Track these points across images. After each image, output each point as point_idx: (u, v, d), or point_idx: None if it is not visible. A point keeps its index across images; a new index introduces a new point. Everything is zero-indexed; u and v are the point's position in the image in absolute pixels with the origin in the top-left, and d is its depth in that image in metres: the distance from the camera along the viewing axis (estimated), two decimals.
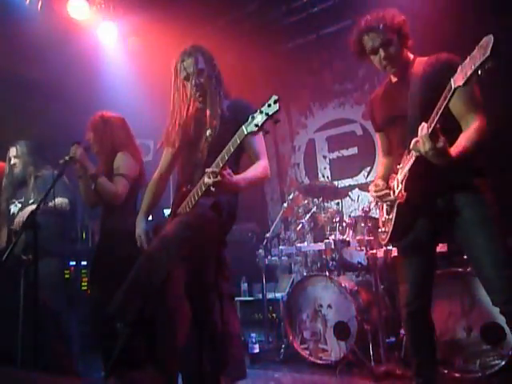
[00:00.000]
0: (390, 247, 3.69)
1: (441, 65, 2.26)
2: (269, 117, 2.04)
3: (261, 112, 2.07)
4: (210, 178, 2.16)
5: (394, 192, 2.39)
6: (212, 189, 2.18)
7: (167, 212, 2.73)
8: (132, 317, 2.11)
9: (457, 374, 3.10)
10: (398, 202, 2.34)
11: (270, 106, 2.05)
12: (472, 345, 3.12)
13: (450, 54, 2.28)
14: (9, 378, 1.58)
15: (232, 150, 2.19)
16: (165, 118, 2.71)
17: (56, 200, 3.39)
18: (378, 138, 2.73)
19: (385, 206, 2.53)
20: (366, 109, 2.73)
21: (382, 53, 2.37)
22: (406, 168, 2.27)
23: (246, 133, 2.13)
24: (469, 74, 1.77)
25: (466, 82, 1.81)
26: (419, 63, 2.39)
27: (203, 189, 2.32)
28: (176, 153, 2.75)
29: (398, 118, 2.41)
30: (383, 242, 2.54)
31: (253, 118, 2.10)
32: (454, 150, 2.09)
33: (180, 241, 2.22)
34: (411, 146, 2.12)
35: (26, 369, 2.64)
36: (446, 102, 1.96)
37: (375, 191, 2.47)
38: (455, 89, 1.88)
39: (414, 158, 2.19)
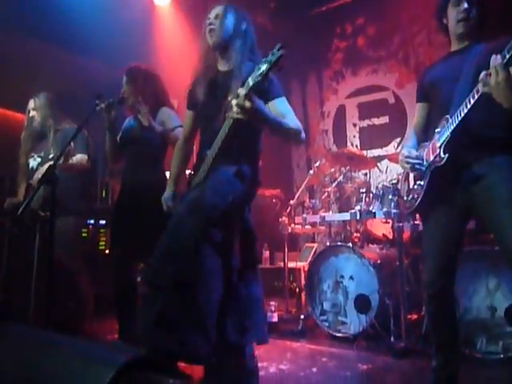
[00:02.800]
0: (416, 221, 3.56)
1: (506, 42, 2.05)
2: (272, 64, 1.98)
3: (265, 61, 2.00)
4: (237, 104, 2.02)
5: (427, 158, 2.26)
6: (240, 115, 2.04)
7: None
8: (167, 282, 2.08)
9: (478, 355, 3.02)
10: (433, 166, 2.21)
11: (273, 54, 1.98)
12: (496, 326, 3.03)
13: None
14: (21, 336, 1.53)
15: (250, 86, 2.06)
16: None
17: (76, 156, 3.34)
18: (416, 110, 2.57)
19: (412, 175, 2.39)
20: (419, 77, 2.58)
21: (464, 4, 2.25)
22: (450, 129, 2.13)
23: (251, 84, 2.03)
24: None
25: None
26: (483, 42, 2.26)
27: (230, 124, 2.21)
28: (196, 115, 2.65)
29: (447, 81, 2.28)
30: (408, 211, 2.42)
31: (257, 68, 2.03)
32: None
33: (208, 206, 2.16)
34: (480, 78, 1.94)
35: (39, 327, 2.63)
36: None
37: (407, 157, 2.32)
38: None
39: (476, 97, 2.00)
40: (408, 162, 2.32)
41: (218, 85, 2.48)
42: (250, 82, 2.06)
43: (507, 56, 1.85)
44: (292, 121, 2.34)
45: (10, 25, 4.10)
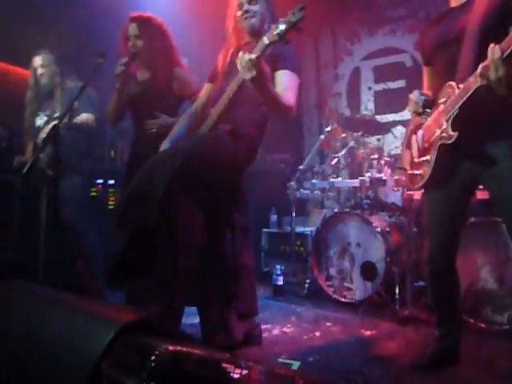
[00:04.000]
0: None
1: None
2: (291, 25, 1.94)
3: (284, 21, 1.96)
4: (246, 62, 2.02)
5: (433, 130, 2.16)
6: (244, 74, 2.04)
7: None
8: (132, 225, 2.07)
9: (483, 325, 3.01)
10: (441, 142, 2.10)
11: (294, 14, 1.94)
12: (502, 297, 3.01)
13: None
14: (26, 294, 1.54)
15: (262, 49, 2.06)
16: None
17: (81, 115, 3.29)
18: (424, 74, 2.44)
19: (415, 142, 2.31)
20: (419, 38, 2.45)
21: None
22: (458, 103, 2.00)
23: (267, 42, 2.01)
24: None
25: None
26: None
27: (235, 86, 2.22)
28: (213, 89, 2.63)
29: (449, 43, 2.13)
30: (416, 186, 2.34)
31: (276, 27, 1.98)
32: None
33: (188, 153, 2.13)
34: (478, 70, 1.84)
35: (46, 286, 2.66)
36: None
37: (415, 97, 2.25)
38: None
39: (475, 87, 1.90)
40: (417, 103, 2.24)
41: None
42: (266, 40, 2.02)
43: (506, 52, 1.74)
44: (288, 99, 2.32)
45: None
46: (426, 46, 2.33)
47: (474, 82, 1.89)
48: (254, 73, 2.01)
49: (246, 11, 2.47)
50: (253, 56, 2.00)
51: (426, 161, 2.23)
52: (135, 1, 4.16)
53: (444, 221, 2.26)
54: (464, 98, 1.97)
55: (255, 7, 2.48)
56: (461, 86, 1.99)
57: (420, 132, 2.29)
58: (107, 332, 1.15)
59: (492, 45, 1.78)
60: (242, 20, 2.50)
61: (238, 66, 2.05)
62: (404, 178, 3.48)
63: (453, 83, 2.05)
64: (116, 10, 3.72)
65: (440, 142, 2.12)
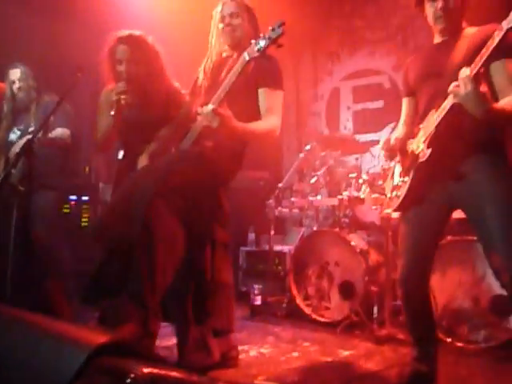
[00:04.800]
0: None
1: (489, 33, 2.01)
2: (271, 41, 1.97)
3: (264, 37, 1.99)
4: (206, 114, 2.08)
5: (412, 155, 2.23)
6: (208, 123, 2.09)
7: None
8: (109, 242, 2.02)
9: (460, 344, 3.02)
10: (419, 161, 2.16)
11: (273, 30, 1.97)
12: (478, 315, 3.04)
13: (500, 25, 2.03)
14: None
15: (232, 81, 2.10)
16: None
17: (56, 130, 3.24)
18: (404, 104, 2.53)
19: (397, 170, 2.36)
20: (403, 71, 2.54)
21: (440, 2, 2.17)
22: (435, 123, 2.09)
23: (247, 59, 2.04)
24: None
25: None
26: (469, 31, 2.21)
27: (200, 125, 2.24)
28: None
29: (432, 76, 2.24)
30: (391, 209, 2.40)
31: (256, 43, 2.01)
32: (494, 105, 1.94)
33: (170, 170, 2.11)
34: (449, 89, 1.94)
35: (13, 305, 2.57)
36: (494, 44, 1.80)
37: (384, 144, 2.35)
38: (508, 29, 1.75)
39: (448, 107, 2.00)
40: (383, 148, 2.35)
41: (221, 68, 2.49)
42: (246, 56, 2.04)
43: (474, 70, 1.86)
44: (269, 120, 2.34)
45: None
46: (410, 78, 2.42)
47: (448, 101, 2.00)
48: (216, 123, 2.06)
49: (228, 24, 2.47)
50: (210, 107, 2.06)
51: (404, 182, 2.28)
52: (114, 14, 4.16)
53: (418, 242, 2.27)
54: (439, 119, 2.07)
55: (237, 21, 2.48)
56: (438, 111, 2.09)
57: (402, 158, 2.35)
58: (79, 355, 1.09)
59: (463, 68, 1.91)
60: (224, 33, 2.50)
61: (199, 118, 2.08)
62: (384, 201, 3.56)
63: (433, 110, 2.14)
64: (96, 24, 3.69)
65: (417, 162, 2.18)
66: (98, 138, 2.76)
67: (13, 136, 3.41)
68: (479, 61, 1.87)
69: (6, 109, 3.48)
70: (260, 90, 2.38)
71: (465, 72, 1.88)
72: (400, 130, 2.50)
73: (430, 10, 2.24)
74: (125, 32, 2.65)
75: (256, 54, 2.03)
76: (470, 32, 2.21)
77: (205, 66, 2.61)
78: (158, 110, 2.67)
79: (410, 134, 2.36)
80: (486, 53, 1.84)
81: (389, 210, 3.44)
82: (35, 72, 3.50)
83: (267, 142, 2.40)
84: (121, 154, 3.55)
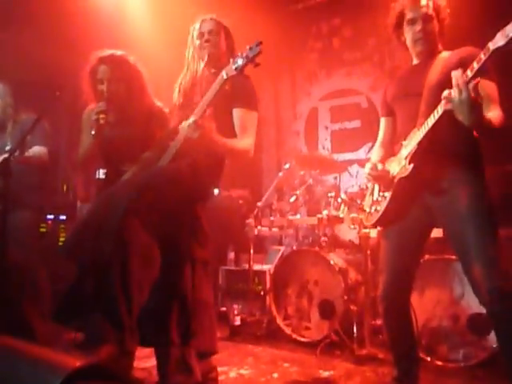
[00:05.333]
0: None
1: (467, 55, 2.11)
2: (249, 60, 1.99)
3: (241, 56, 2.02)
4: (187, 126, 2.10)
5: (393, 171, 2.26)
6: (189, 135, 2.11)
7: None
8: (81, 258, 1.98)
9: (439, 363, 3.03)
10: (399, 177, 2.20)
11: (251, 49, 2.00)
12: (457, 334, 3.05)
13: (475, 49, 2.11)
14: None
15: (211, 98, 2.13)
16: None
17: (33, 149, 3.19)
18: (381, 124, 2.59)
19: (377, 187, 2.40)
20: (383, 92, 2.61)
21: (419, 25, 2.26)
22: (417, 140, 2.14)
23: (225, 77, 2.06)
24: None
25: (508, 41, 1.72)
26: (444, 55, 2.28)
27: (180, 140, 2.24)
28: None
29: (411, 96, 2.29)
30: (370, 223, 2.41)
31: (234, 61, 2.03)
32: (484, 115, 1.96)
33: (145, 186, 2.09)
34: (443, 95, 1.96)
35: None
36: (486, 57, 1.82)
37: (371, 169, 2.35)
38: (494, 50, 1.78)
39: (438, 116, 2.03)
40: (371, 174, 2.35)
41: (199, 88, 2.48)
42: (224, 75, 2.05)
43: (470, 75, 1.87)
44: (244, 141, 2.35)
45: None
46: (388, 98, 2.48)
47: (439, 109, 2.02)
48: (196, 135, 2.08)
49: (206, 41, 2.49)
50: (192, 118, 2.09)
51: (384, 196, 2.30)
52: (94, 32, 4.15)
53: (398, 258, 2.29)
54: (422, 135, 2.11)
55: (215, 38, 2.50)
56: (420, 128, 2.12)
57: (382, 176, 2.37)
58: (54, 379, 1.07)
59: (457, 72, 1.90)
60: (201, 49, 2.50)
61: (179, 132, 2.09)
62: (362, 217, 3.59)
63: (415, 129, 2.18)
64: (75, 42, 3.68)
65: (398, 177, 2.21)
66: (78, 156, 2.74)
67: None
68: (474, 67, 1.88)
69: None
70: (235, 110, 2.39)
71: (460, 78, 1.90)
72: (378, 153, 2.54)
73: (409, 33, 2.31)
74: (106, 52, 2.65)
75: (234, 73, 2.05)
76: (445, 55, 2.28)
77: (180, 83, 2.61)
78: (139, 128, 2.66)
79: (389, 154, 2.41)
80: (480, 61, 1.85)
81: (367, 230, 3.51)
82: (13, 89, 3.45)
83: (241, 162, 2.40)
84: (100, 173, 3.52)
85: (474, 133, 2.12)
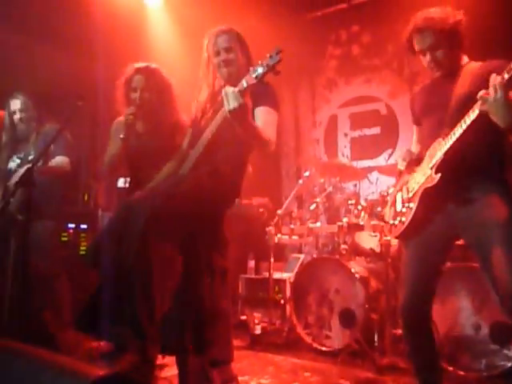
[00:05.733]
0: None
1: (498, 67, 2.06)
2: (269, 68, 1.98)
3: (262, 64, 2.00)
4: (232, 92, 2.04)
5: (418, 181, 2.25)
6: (231, 103, 2.04)
7: None
8: (103, 267, 1.99)
9: (462, 372, 2.98)
10: (425, 187, 2.18)
11: (271, 57, 1.98)
12: (480, 343, 3.01)
13: (504, 60, 2.08)
14: None
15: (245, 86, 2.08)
16: None
17: (56, 159, 3.24)
18: (414, 132, 2.59)
19: (400, 196, 2.36)
20: (410, 102, 2.59)
21: (428, 56, 2.25)
22: (443, 150, 2.13)
23: (245, 86, 2.04)
24: None
25: None
26: (472, 66, 2.25)
27: (196, 154, 2.25)
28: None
29: (437, 108, 2.27)
30: (395, 234, 2.37)
31: (254, 70, 2.02)
32: None
33: (166, 194, 2.09)
34: (478, 95, 1.95)
35: (11, 338, 2.52)
36: None
37: (405, 158, 2.37)
38: None
39: (474, 116, 2.00)
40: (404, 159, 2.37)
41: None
42: (244, 83, 2.04)
43: (506, 76, 1.87)
44: (268, 133, 2.33)
45: None
46: (416, 109, 2.48)
47: (471, 113, 2.01)
48: (237, 104, 2.02)
49: (224, 60, 2.49)
50: (237, 89, 2.03)
51: (409, 207, 2.27)
52: (116, 45, 4.21)
53: (420, 269, 2.26)
54: (449, 145, 2.09)
55: (231, 55, 2.50)
56: (446, 138, 2.12)
57: (406, 185, 2.36)
58: None
59: (493, 74, 1.91)
60: (219, 68, 2.52)
61: (223, 97, 2.06)
62: (385, 228, 3.56)
63: (440, 139, 2.17)
64: (97, 53, 3.73)
65: (423, 188, 2.19)
66: (104, 163, 2.84)
67: (12, 164, 3.42)
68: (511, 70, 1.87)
69: (6, 138, 3.50)
70: (257, 109, 2.38)
71: (496, 78, 1.89)
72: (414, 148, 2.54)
73: (423, 61, 2.31)
74: (142, 64, 2.84)
75: (254, 81, 2.03)
76: (473, 67, 2.25)
77: (197, 98, 2.64)
78: (165, 139, 2.77)
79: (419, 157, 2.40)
80: None
81: (388, 238, 3.47)
82: (36, 101, 3.51)
83: (265, 151, 2.37)
84: (121, 182, 3.56)
85: (509, 138, 2.10)
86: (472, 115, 2.01)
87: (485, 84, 1.99)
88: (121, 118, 2.79)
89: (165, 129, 2.80)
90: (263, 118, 2.37)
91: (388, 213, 2.49)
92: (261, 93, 2.37)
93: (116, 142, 2.72)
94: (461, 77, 2.22)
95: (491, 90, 1.89)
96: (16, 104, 3.48)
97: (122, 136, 2.66)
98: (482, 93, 1.93)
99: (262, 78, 2.03)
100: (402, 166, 2.41)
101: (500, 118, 1.90)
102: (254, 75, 2.03)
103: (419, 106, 2.45)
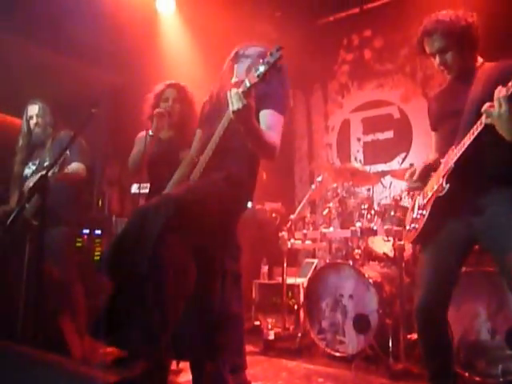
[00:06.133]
0: None
1: (507, 69, 2.08)
2: (271, 65, 1.98)
3: (263, 62, 2.00)
4: (235, 94, 2.04)
5: (431, 189, 2.25)
6: (235, 104, 2.04)
7: None
8: (117, 273, 1.98)
9: (477, 378, 2.95)
10: (436, 196, 2.18)
11: (272, 54, 1.98)
12: (496, 348, 2.97)
13: None
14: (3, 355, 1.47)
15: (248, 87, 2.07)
16: None
17: (72, 165, 3.27)
18: (432, 138, 2.57)
19: (418, 202, 2.35)
20: (427, 108, 2.59)
21: (437, 59, 2.25)
22: (454, 159, 2.13)
23: (248, 85, 2.03)
24: None
25: None
26: (486, 67, 2.22)
27: (206, 158, 2.26)
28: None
29: (452, 114, 2.27)
30: (410, 240, 2.39)
31: (256, 69, 2.02)
32: None
33: (181, 200, 2.09)
34: (482, 109, 1.95)
35: (25, 344, 2.54)
36: None
37: (408, 179, 2.36)
38: None
39: (479, 130, 2.01)
40: (407, 181, 2.38)
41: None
42: (247, 82, 2.04)
43: (510, 90, 1.86)
44: (272, 137, 2.31)
45: (9, 29, 4.06)
46: (432, 116, 2.49)
47: (478, 125, 2.01)
48: (241, 104, 2.02)
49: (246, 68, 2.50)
50: (240, 90, 2.04)
51: (422, 215, 2.29)
52: (129, 53, 4.25)
53: (435, 274, 2.26)
54: (459, 154, 2.09)
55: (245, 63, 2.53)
56: (458, 147, 2.12)
57: (424, 191, 2.36)
58: None
59: (498, 87, 1.91)
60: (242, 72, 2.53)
61: (228, 98, 2.06)
62: (396, 228, 3.55)
63: (453, 147, 2.18)
64: (111, 60, 3.77)
65: (435, 196, 2.20)
66: (129, 163, 3.04)
67: (28, 170, 3.46)
68: None
69: (22, 143, 3.55)
70: (262, 112, 2.37)
71: (502, 91, 1.88)
72: (432, 157, 2.51)
73: (435, 63, 2.32)
74: (172, 80, 3.14)
75: (256, 80, 2.02)
76: (487, 67, 2.23)
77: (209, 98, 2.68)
78: (186, 148, 2.82)
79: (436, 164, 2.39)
80: None
81: (401, 242, 3.46)
82: (52, 108, 3.56)
83: (268, 156, 2.36)
84: (134, 188, 3.59)
85: None
86: (479, 127, 2.01)
87: (499, 83, 1.97)
88: (144, 133, 2.93)
89: (187, 139, 2.87)
90: (267, 122, 2.36)
91: (408, 217, 2.50)
92: (268, 93, 2.37)
93: (140, 147, 2.91)
94: (475, 80, 2.21)
95: (496, 104, 1.88)
96: (34, 109, 3.53)
97: (151, 133, 2.85)
98: (486, 106, 1.93)
99: (265, 77, 2.01)
100: (411, 183, 2.40)
101: (505, 132, 1.90)
102: (256, 74, 2.01)
103: (434, 112, 2.45)
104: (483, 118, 1.97)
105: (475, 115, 2.06)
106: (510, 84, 1.87)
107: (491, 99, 1.94)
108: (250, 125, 2.14)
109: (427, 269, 2.29)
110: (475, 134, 2.02)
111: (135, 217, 2.08)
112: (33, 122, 3.53)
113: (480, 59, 2.30)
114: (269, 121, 2.36)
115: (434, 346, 2.32)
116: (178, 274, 2.04)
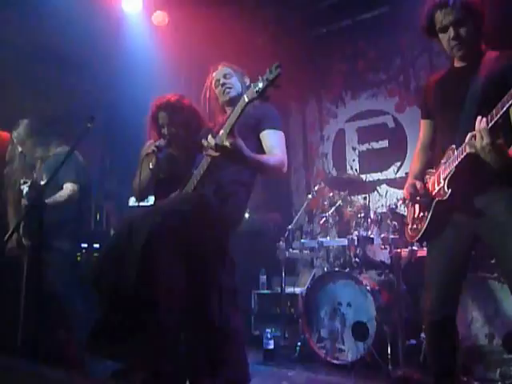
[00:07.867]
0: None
1: (510, 60, 2.06)
2: (269, 82, 1.98)
3: (262, 79, 2.00)
4: (215, 144, 2.06)
5: (432, 189, 2.24)
6: (215, 154, 2.06)
7: None
8: (108, 286, 1.98)
9: (476, 383, 2.96)
10: (437, 199, 2.18)
11: (271, 72, 1.98)
12: (493, 353, 2.99)
13: None
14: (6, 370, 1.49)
15: (234, 121, 2.11)
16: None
17: (64, 189, 3.26)
18: (421, 127, 2.49)
19: (418, 202, 2.36)
20: (421, 93, 2.52)
21: (451, 32, 2.13)
22: (454, 164, 2.10)
23: (246, 100, 2.06)
24: None
25: None
26: (490, 56, 2.17)
27: (200, 172, 2.27)
28: None
29: (452, 106, 2.21)
30: (412, 240, 2.40)
31: (254, 85, 2.03)
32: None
33: (169, 211, 2.10)
34: (466, 140, 1.94)
35: (25, 358, 2.55)
36: (508, 105, 1.78)
37: (411, 193, 2.29)
38: None
39: (464, 155, 2.00)
40: (411, 196, 2.29)
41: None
42: (246, 98, 2.06)
43: (491, 122, 1.84)
44: (275, 157, 2.36)
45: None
46: (429, 102, 2.39)
47: (465, 149, 1.99)
48: (225, 153, 2.06)
49: (223, 84, 2.58)
50: (219, 141, 2.06)
51: (424, 216, 2.27)
52: (123, 65, 4.23)
53: (446, 274, 2.23)
54: (457, 161, 2.07)
55: (232, 80, 2.59)
56: (459, 149, 2.08)
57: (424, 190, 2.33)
58: None
59: (479, 117, 1.88)
60: (223, 95, 2.60)
61: (206, 153, 2.10)
62: (392, 236, 3.57)
63: (453, 146, 2.14)
64: (105, 74, 3.78)
65: (436, 199, 2.19)
66: (134, 187, 2.78)
67: (26, 189, 3.47)
68: (499, 111, 1.83)
69: (16, 164, 3.55)
70: (263, 133, 2.43)
71: (482, 123, 1.85)
72: (418, 158, 2.47)
73: (443, 40, 2.20)
74: (162, 98, 2.77)
75: (255, 96, 2.03)
76: (491, 57, 2.16)
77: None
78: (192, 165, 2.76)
79: (428, 160, 2.38)
80: (506, 102, 1.79)
81: (398, 250, 3.48)
82: (44, 123, 3.57)
83: (275, 177, 2.40)
84: (132, 201, 3.60)
85: None
86: (462, 155, 2.01)
87: (500, 81, 1.98)
88: (149, 143, 2.79)
89: (193, 154, 2.76)
90: (271, 141, 2.41)
91: (408, 214, 2.47)
92: (265, 114, 2.41)
93: (145, 171, 2.70)
94: (479, 68, 2.13)
95: (477, 136, 1.86)
96: (18, 135, 3.52)
97: (151, 166, 2.64)
98: (468, 137, 1.92)
99: (263, 93, 2.02)
100: (423, 202, 2.30)
101: (490, 162, 1.89)
102: (255, 89, 2.03)
103: (433, 99, 2.35)
104: (467, 147, 1.96)
105: (476, 112, 2.01)
106: (489, 116, 1.85)
107: (493, 94, 1.91)
108: (244, 162, 2.19)
109: (435, 269, 2.27)
110: (459, 159, 2.03)
111: (121, 228, 2.07)
112: (19, 150, 3.54)
113: (483, 45, 2.23)
114: (272, 140, 2.41)
115: (442, 345, 2.29)
116: (168, 285, 2.03)
